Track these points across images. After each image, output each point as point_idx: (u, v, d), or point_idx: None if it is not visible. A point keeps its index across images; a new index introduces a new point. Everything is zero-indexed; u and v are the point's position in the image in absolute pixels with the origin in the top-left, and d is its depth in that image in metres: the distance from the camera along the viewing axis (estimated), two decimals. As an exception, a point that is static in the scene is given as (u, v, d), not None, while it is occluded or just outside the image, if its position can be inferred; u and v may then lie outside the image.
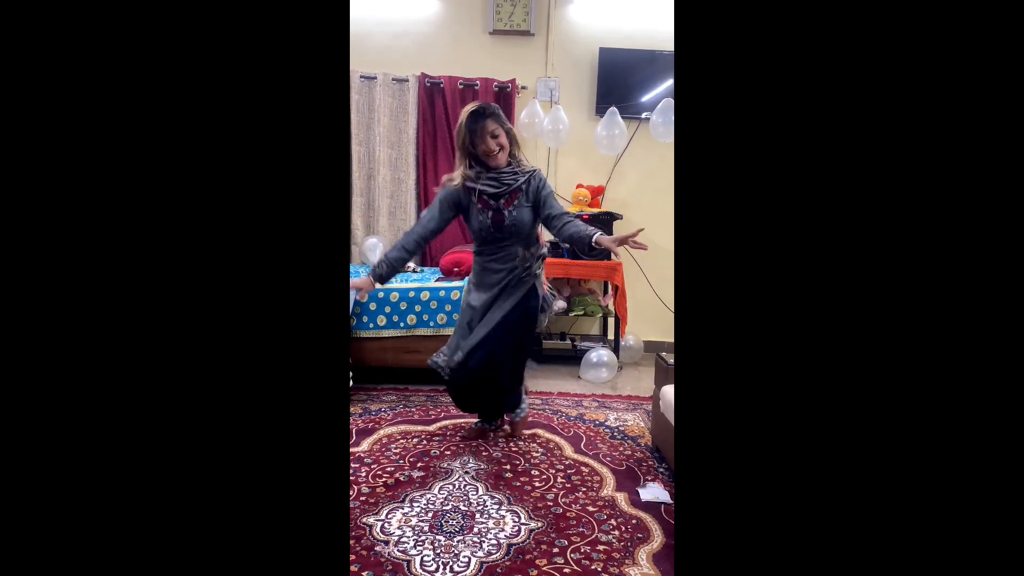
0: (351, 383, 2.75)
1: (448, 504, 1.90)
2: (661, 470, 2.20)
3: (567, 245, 3.29)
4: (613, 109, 3.33)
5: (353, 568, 1.57)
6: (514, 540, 1.72)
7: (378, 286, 2.19)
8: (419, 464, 2.17)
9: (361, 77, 3.56)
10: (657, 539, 1.75)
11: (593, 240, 2.00)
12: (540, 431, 2.51)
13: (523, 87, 3.63)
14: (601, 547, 1.70)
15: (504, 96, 3.57)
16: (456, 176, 2.14)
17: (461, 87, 3.56)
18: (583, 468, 2.19)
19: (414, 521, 1.80)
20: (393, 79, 3.57)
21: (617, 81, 3.56)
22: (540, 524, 1.81)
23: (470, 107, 2.11)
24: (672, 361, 2.18)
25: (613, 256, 3.30)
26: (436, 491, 1.98)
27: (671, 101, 3.18)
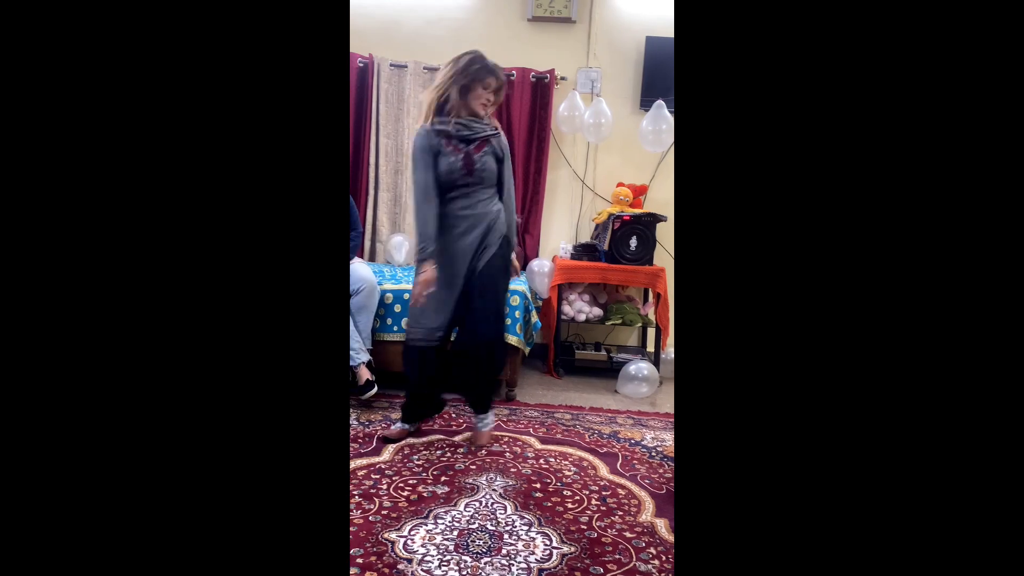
0: (375, 389, 2.80)
1: (474, 522, 1.93)
2: (703, 496, 2.19)
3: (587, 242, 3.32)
4: (660, 102, 3.34)
5: (375, 586, 1.60)
6: (545, 565, 1.74)
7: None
8: (443, 479, 2.21)
9: (391, 65, 3.62)
10: (699, 570, 1.75)
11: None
12: (571, 449, 2.53)
13: (562, 78, 3.66)
14: (638, 576, 1.71)
15: (541, 87, 3.60)
16: (423, 122, 2.35)
17: (496, 77, 3.60)
18: (619, 490, 2.21)
19: (439, 539, 1.83)
20: (424, 68, 3.62)
21: (665, 72, 3.55)
22: (573, 549, 1.82)
23: (473, 54, 2.28)
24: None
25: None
26: (462, 508, 2.02)
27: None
